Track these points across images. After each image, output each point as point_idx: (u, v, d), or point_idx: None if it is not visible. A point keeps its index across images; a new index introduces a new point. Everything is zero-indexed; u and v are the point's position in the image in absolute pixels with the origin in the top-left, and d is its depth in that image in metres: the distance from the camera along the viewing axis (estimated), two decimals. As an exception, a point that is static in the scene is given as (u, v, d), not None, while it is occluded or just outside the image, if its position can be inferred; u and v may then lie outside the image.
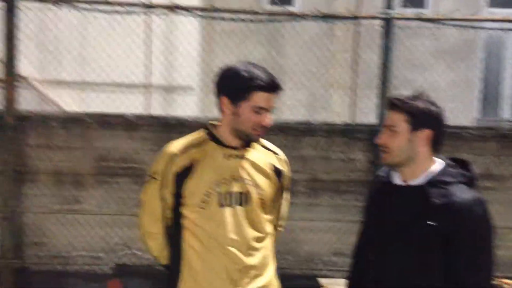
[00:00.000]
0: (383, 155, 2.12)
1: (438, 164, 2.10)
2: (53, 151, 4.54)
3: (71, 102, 5.95)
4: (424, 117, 2.05)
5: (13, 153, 4.46)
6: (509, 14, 4.76)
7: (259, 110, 2.12)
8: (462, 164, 2.14)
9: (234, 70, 2.15)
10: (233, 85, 2.13)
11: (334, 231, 4.58)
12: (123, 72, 5.23)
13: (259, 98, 2.11)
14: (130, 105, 5.27)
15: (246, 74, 2.11)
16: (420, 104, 2.06)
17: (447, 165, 2.10)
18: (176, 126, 4.49)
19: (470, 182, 2.08)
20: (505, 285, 3.62)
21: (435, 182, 2.04)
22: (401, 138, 2.05)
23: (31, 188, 4.56)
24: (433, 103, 2.08)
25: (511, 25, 5.01)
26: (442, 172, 2.07)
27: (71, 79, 5.94)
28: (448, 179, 2.04)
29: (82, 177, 4.58)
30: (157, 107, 5.96)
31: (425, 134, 2.05)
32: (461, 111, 5.78)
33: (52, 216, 4.58)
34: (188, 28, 5.26)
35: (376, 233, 2.14)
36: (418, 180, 2.07)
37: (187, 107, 5.34)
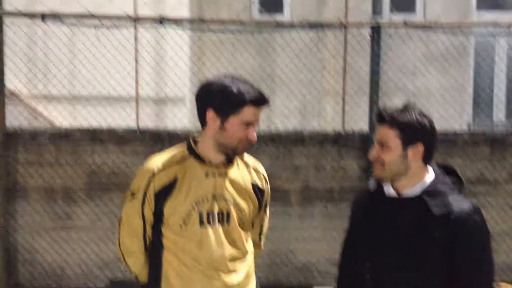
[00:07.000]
0: (375, 168, 2.08)
1: (431, 173, 2.09)
2: (44, 167, 4.51)
3: (61, 117, 5.91)
4: (416, 132, 2.01)
5: (3, 170, 4.42)
6: (498, 17, 4.76)
7: (248, 124, 2.10)
8: (448, 170, 2.12)
9: (221, 84, 2.11)
10: (223, 99, 2.09)
11: (328, 239, 4.55)
12: (112, 85, 5.21)
13: (249, 112, 2.09)
14: (120, 118, 5.23)
15: (235, 89, 2.08)
16: (411, 117, 2.01)
17: (439, 174, 2.09)
18: (167, 139, 4.46)
19: (461, 190, 2.07)
20: (500, 289, 3.62)
21: (430, 192, 2.01)
22: (393, 154, 2.02)
23: (22, 205, 4.52)
24: (423, 115, 2.04)
25: (500, 29, 5.01)
26: (436, 182, 2.04)
27: (60, 94, 5.91)
28: (443, 188, 2.02)
29: (73, 192, 4.55)
30: (147, 120, 5.92)
31: (417, 148, 2.03)
32: (452, 117, 5.78)
33: (44, 232, 4.54)
34: (177, 39, 5.24)
35: (372, 244, 2.10)
36: (413, 191, 2.05)
37: (177, 119, 5.31)
